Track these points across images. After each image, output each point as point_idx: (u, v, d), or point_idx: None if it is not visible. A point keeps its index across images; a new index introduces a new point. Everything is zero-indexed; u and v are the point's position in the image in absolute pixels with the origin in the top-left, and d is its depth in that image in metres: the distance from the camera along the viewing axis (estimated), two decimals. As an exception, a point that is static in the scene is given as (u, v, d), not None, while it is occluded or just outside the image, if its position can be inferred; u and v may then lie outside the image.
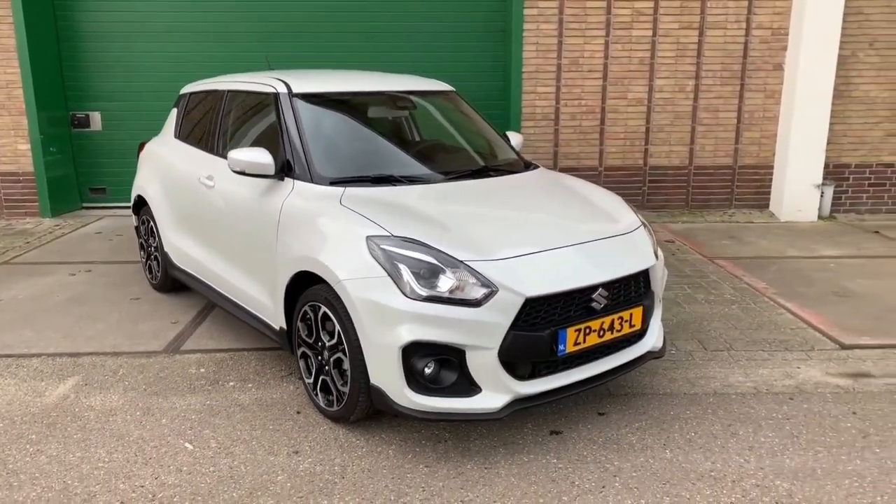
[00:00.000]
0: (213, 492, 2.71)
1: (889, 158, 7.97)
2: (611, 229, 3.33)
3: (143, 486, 2.74)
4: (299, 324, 3.32)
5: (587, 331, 3.00)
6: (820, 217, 7.83)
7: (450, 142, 4.27)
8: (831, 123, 7.74)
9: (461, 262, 2.85)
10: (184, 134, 4.78)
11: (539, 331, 2.87)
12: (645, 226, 3.57)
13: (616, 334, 3.12)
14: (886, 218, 7.90)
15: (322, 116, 3.78)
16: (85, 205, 8.27)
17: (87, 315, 4.66)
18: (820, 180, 7.70)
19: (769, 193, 8.07)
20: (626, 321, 3.15)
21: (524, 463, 2.92)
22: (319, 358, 3.23)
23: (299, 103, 3.76)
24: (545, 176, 4.02)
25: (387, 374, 2.84)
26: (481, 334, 2.79)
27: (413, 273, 2.83)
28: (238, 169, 3.51)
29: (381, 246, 2.90)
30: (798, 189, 7.73)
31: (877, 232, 7.17)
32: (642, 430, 3.21)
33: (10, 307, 4.81)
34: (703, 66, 7.70)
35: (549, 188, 3.79)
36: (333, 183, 3.43)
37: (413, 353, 2.81)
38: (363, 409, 3.05)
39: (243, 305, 3.87)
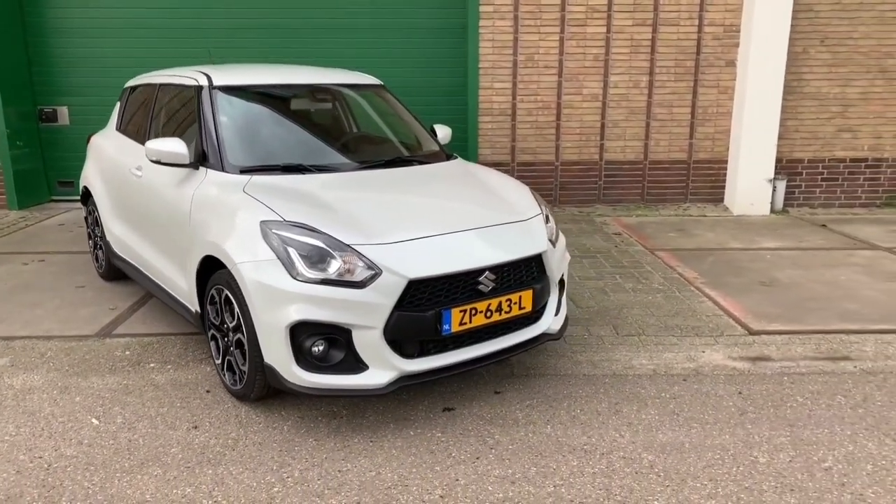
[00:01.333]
0: (106, 462, 2.87)
1: (841, 154, 8.11)
2: (507, 217, 3.48)
3: (41, 458, 2.90)
4: (209, 307, 3.47)
5: (473, 312, 3.15)
6: (773, 211, 7.97)
7: (371, 133, 4.43)
8: (784, 119, 7.88)
9: (348, 245, 3.00)
10: (123, 126, 4.94)
11: (423, 311, 3.02)
12: (545, 216, 3.71)
13: (505, 316, 3.27)
14: (839, 212, 8.04)
15: (240, 108, 3.94)
16: (54, 198, 8.43)
17: (28, 302, 4.82)
18: (772, 175, 7.85)
19: (724, 188, 8.22)
20: (515, 303, 3.30)
21: (409, 437, 3.08)
22: (225, 339, 3.38)
23: (219, 95, 3.91)
24: (459, 167, 4.17)
25: (277, 353, 2.99)
26: (366, 314, 2.94)
27: (302, 256, 2.98)
28: (154, 158, 3.67)
29: (274, 230, 3.06)
30: (750, 184, 7.87)
31: (824, 226, 7.31)
32: (531, 407, 3.36)
33: (-44, 294, 4.97)
34: (657, 62, 7.84)
35: (459, 178, 3.94)
36: (244, 171, 3.58)
37: (301, 332, 2.96)
38: (261, 386, 3.21)
39: (169, 291, 4.03)
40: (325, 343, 2.99)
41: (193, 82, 4.05)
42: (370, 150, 4.10)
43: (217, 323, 3.43)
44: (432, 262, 3.05)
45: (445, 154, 4.41)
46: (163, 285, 4.11)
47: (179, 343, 4.11)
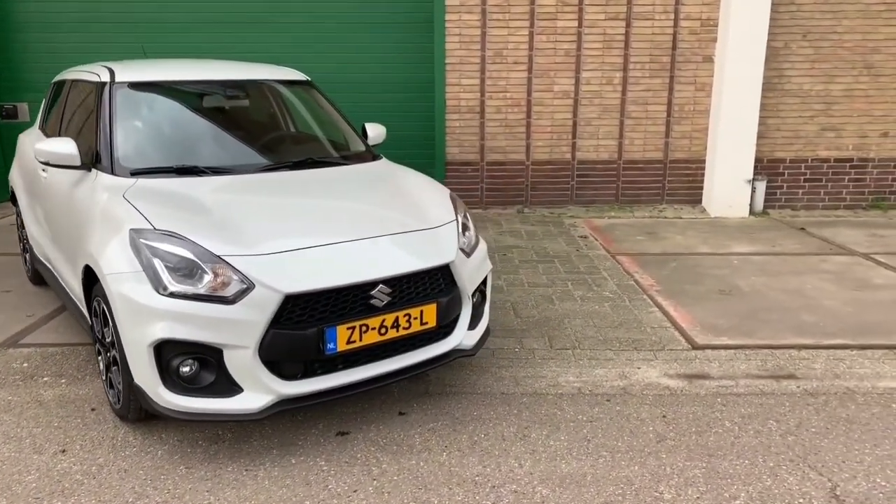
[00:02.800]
0: (-48, 491, 2.65)
1: (825, 153, 7.78)
2: (413, 224, 3.23)
3: None
4: (93, 319, 3.24)
5: (364, 329, 2.89)
6: (752, 213, 7.66)
7: (287, 132, 4.18)
8: (764, 117, 7.56)
9: (219, 256, 2.76)
10: (42, 124, 4.72)
11: (303, 329, 2.77)
12: (461, 223, 3.45)
13: (403, 332, 3.02)
14: (822, 214, 7.71)
15: (143, 106, 3.70)
16: (15, 196, 8.23)
17: (-55, 307, 4.62)
18: (750, 175, 7.53)
19: (702, 188, 7.90)
20: (416, 319, 3.04)
21: (289, 466, 2.83)
22: (108, 354, 3.15)
23: (120, 92, 3.67)
24: (380, 168, 3.92)
25: (144, 373, 2.76)
26: (237, 333, 2.69)
27: (168, 268, 2.74)
28: (43, 160, 3.44)
29: (141, 239, 2.82)
30: (728, 184, 7.56)
31: (803, 229, 6.99)
32: (433, 431, 3.10)
33: None
34: (631, 57, 7.54)
35: (372, 181, 3.69)
36: (134, 174, 3.35)
37: (169, 351, 2.72)
38: (137, 408, 2.97)
39: (73, 297, 3.81)
40: (195, 363, 2.75)
41: (97, 78, 3.81)
42: (281, 151, 3.85)
43: (100, 337, 3.20)
44: (314, 274, 2.80)
45: (372, 154, 4.15)
46: (68, 291, 3.89)
47: (84, 355, 3.89)
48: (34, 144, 3.63)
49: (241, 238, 2.86)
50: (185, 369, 2.74)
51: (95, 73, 3.88)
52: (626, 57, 7.53)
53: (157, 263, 2.75)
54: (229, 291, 2.71)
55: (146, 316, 2.70)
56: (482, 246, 3.57)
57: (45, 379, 3.60)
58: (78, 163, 3.42)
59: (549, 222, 7.22)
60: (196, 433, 3.06)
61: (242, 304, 2.69)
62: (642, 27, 7.46)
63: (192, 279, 2.73)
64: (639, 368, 3.77)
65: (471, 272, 3.34)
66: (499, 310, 4.60)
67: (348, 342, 2.86)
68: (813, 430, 3.11)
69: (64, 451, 2.93)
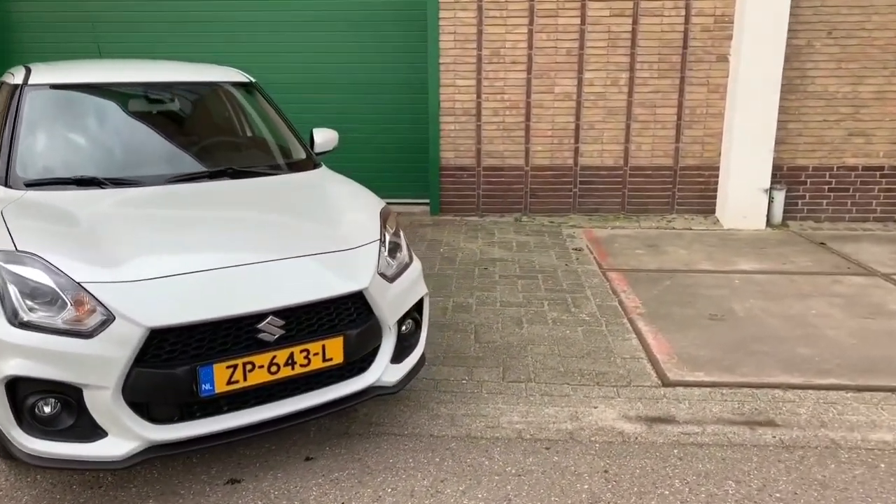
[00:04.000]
0: None
1: (852, 161, 7.15)
2: (320, 246, 2.87)
3: None
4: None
5: (249, 367, 2.54)
6: (769, 225, 7.07)
7: (213, 140, 3.85)
8: (785, 121, 6.97)
9: (78, 283, 2.44)
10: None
11: (172, 368, 2.43)
12: (388, 243, 3.07)
13: (301, 370, 2.66)
14: (847, 227, 7.08)
15: (53, 110, 3.43)
16: None
17: None
18: (768, 184, 6.94)
19: (715, 197, 7.35)
20: (317, 354, 2.68)
21: (159, 520, 2.50)
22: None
23: (30, 95, 3.41)
24: (308, 179, 3.58)
25: (3, 414, 2.45)
26: (94, 371, 2.37)
27: (24, 295, 2.44)
28: (-65, 168, 3.18)
29: (1, 262, 2.51)
30: (743, 193, 6.99)
31: (822, 244, 6.40)
32: (336, 482, 2.74)
33: None
34: (639, 57, 7.04)
35: (292, 195, 3.35)
36: (29, 185, 3.07)
37: (23, 389, 2.41)
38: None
39: None
40: (55, 403, 2.44)
41: (11, 79, 3.55)
42: (199, 160, 3.51)
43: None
44: (187, 305, 2.46)
45: (313, 163, 3.81)
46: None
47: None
48: None
49: (109, 262, 2.53)
50: (45, 409, 2.43)
51: (12, 73, 3.62)
52: (632, 56, 7.03)
53: (12, 289, 2.44)
54: (88, 324, 2.39)
55: (-2, 349, 2.40)
56: (414, 268, 3.19)
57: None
58: (-27, 172, 3.16)
59: (546, 232, 6.78)
60: (75, 476, 2.76)
61: (101, 338, 2.37)
62: (650, 24, 6.95)
63: (49, 308, 2.42)
64: (595, 408, 3.33)
65: (394, 299, 2.96)
66: (459, 333, 4.21)
67: (229, 382, 2.52)
68: (777, 495, 2.64)
69: (-76, 493, 2.66)
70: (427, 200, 7.54)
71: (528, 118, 7.22)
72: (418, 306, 3.22)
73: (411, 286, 3.11)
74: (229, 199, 3.20)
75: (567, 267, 5.61)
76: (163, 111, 3.74)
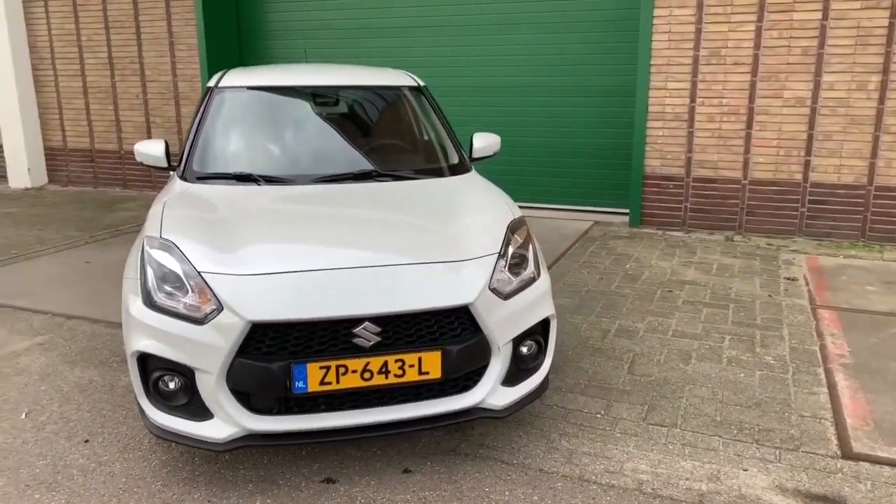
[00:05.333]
0: (-22, 461, 2.90)
1: None
2: (432, 255, 2.78)
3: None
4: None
5: (342, 370, 2.54)
6: None
7: (367, 142, 3.90)
8: None
9: (198, 272, 2.62)
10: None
11: (269, 362, 2.51)
12: (507, 256, 2.88)
13: (395, 380, 2.59)
14: None
15: (234, 111, 3.75)
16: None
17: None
18: None
19: None
20: (414, 366, 2.60)
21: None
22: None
23: (218, 97, 3.77)
24: (447, 185, 3.53)
25: (134, 382, 2.73)
26: (203, 356, 2.53)
27: (158, 279, 2.68)
28: (139, 159, 3.66)
29: (147, 247, 2.80)
30: None
31: None
32: (422, 501, 2.63)
33: None
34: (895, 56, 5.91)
35: (425, 200, 3.31)
36: (200, 178, 3.39)
37: (151, 365, 2.66)
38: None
39: None
40: (176, 381, 2.65)
41: (211, 82, 3.96)
42: (347, 162, 3.57)
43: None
44: (287, 303, 2.52)
45: (464, 167, 3.74)
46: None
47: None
48: None
49: (229, 254, 2.69)
50: (169, 385, 2.65)
51: (215, 77, 4.03)
52: (887, 56, 5.92)
53: (150, 273, 2.70)
54: (203, 311, 2.55)
55: (131, 326, 2.68)
56: (538, 285, 2.95)
57: (135, 364, 3.84)
58: (164, 164, 3.58)
59: (759, 255, 5.99)
60: (198, 451, 2.98)
61: (210, 326, 2.52)
62: (916, 16, 5.79)
63: (175, 293, 2.63)
64: (744, 470, 2.82)
65: (507, 317, 2.77)
66: (612, 360, 3.86)
67: (322, 383, 2.53)
68: None
69: (87, 441, 3.06)
70: (627, 211, 7.09)
71: (749, 125, 6.44)
72: (544, 328, 2.99)
73: (532, 305, 2.88)
74: (360, 202, 3.24)
75: (770, 298, 4.89)
76: (326, 113, 3.91)
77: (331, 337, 2.54)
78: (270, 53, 8.64)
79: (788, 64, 6.22)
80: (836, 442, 3.03)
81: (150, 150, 3.58)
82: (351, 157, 3.64)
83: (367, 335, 2.55)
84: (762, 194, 6.54)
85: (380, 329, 2.55)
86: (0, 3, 8.99)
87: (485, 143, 3.97)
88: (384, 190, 3.38)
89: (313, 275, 2.61)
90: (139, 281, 2.72)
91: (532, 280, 2.94)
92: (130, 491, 2.70)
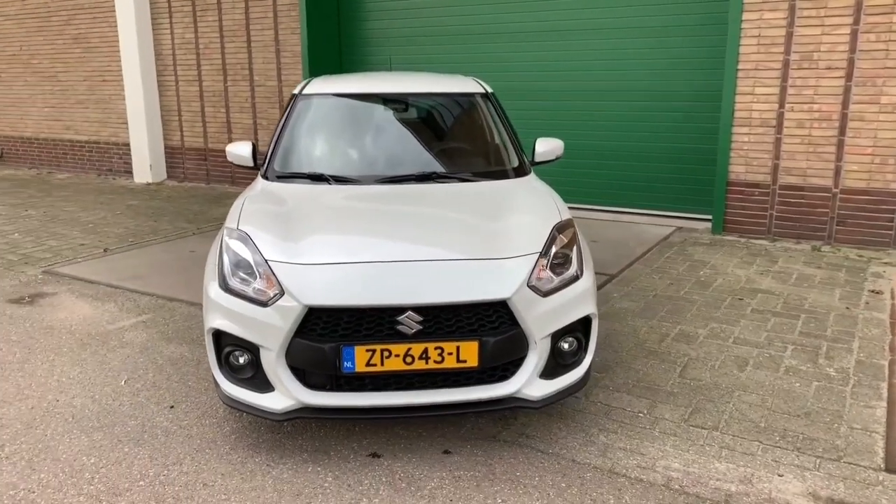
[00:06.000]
0: (72, 421, 3.37)
1: None
2: (473, 252, 2.99)
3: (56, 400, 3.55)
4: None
5: (386, 354, 2.80)
6: None
7: (432, 146, 4.14)
8: None
9: (266, 260, 2.95)
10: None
11: (322, 343, 2.80)
12: (549, 255, 3.05)
13: (434, 365, 2.82)
14: None
15: (312, 115, 4.10)
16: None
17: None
18: None
19: None
20: (452, 354, 2.82)
21: (303, 473, 2.90)
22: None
23: (300, 104, 4.13)
24: (504, 187, 3.74)
25: (210, 356, 3.10)
26: (267, 335, 2.86)
27: (232, 265, 3.03)
28: (229, 159, 4.08)
29: (225, 237, 3.17)
30: None
31: None
32: (456, 480, 2.84)
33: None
34: None
35: (479, 200, 3.54)
36: (279, 178, 3.76)
37: (224, 341, 3.02)
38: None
39: None
40: (243, 356, 2.99)
41: (295, 90, 4.33)
42: (411, 164, 3.82)
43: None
44: (340, 290, 2.81)
45: (524, 171, 3.92)
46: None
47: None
48: None
49: (291, 245, 3.01)
50: (240, 360, 3.00)
51: (300, 85, 4.40)
52: None
53: (226, 260, 3.06)
54: (268, 295, 2.88)
55: (208, 306, 3.04)
56: (580, 285, 3.09)
57: (221, 343, 4.27)
58: (251, 164, 3.98)
59: (846, 267, 5.78)
60: (266, 422, 3.31)
61: (273, 308, 2.84)
62: None
63: (246, 279, 2.98)
64: (779, 476, 2.85)
65: (546, 313, 2.94)
66: (664, 363, 3.92)
67: (367, 364, 2.80)
68: None
69: (173, 406, 3.48)
70: (710, 217, 6.99)
71: (842, 132, 6.21)
72: (585, 326, 3.13)
73: (572, 303, 3.03)
74: (417, 201, 3.49)
75: (847, 311, 4.75)
76: (396, 119, 4.18)
77: (377, 323, 2.80)
78: (367, 60, 9.08)
79: (887, 68, 5.95)
80: (882, 455, 2.99)
81: (239, 150, 3.99)
82: (414, 160, 3.90)
83: (409, 323, 2.79)
84: (854, 203, 6.28)
85: (421, 318, 2.79)
86: (132, 16, 9.95)
87: (547, 147, 4.12)
88: (441, 191, 3.62)
89: (364, 266, 2.89)
90: (217, 266, 3.08)
91: (574, 279, 3.08)
92: (203, 451, 3.07)
